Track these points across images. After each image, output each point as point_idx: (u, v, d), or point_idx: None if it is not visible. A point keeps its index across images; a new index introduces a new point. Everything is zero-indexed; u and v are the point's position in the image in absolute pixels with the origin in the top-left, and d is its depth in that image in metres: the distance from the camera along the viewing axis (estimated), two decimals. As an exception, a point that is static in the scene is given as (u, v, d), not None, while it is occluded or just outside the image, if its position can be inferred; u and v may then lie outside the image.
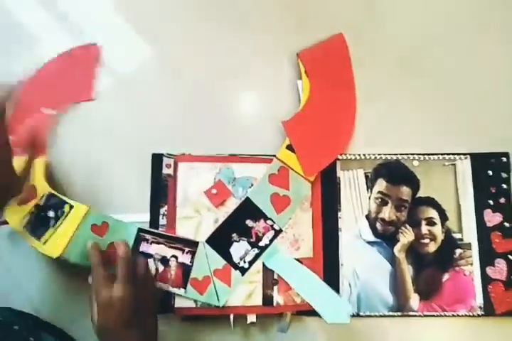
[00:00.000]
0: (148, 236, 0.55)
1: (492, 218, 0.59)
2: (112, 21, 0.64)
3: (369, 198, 0.60)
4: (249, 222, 0.57)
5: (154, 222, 0.58)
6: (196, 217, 0.57)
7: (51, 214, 0.56)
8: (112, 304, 0.46)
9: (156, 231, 0.56)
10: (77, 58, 0.63)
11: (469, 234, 0.59)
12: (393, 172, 0.60)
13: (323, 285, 0.56)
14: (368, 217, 0.59)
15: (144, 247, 0.55)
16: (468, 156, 0.60)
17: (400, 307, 0.57)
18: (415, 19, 0.64)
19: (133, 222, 0.57)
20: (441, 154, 0.60)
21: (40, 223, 0.55)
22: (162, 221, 0.58)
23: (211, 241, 0.56)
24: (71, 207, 0.56)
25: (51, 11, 0.64)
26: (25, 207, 0.56)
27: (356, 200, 0.60)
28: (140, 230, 0.56)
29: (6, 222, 0.56)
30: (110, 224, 0.55)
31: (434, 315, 0.57)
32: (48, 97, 0.62)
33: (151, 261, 0.55)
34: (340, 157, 0.60)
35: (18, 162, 0.54)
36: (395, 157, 0.60)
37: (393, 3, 0.64)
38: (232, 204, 0.57)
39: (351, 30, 0.62)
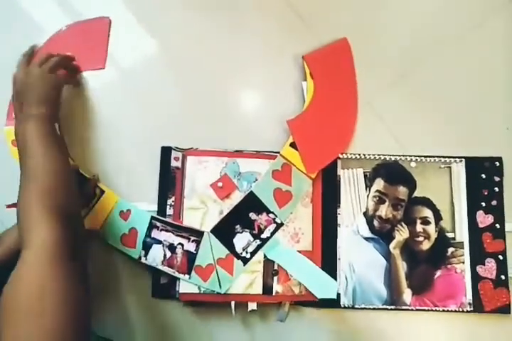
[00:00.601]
0: (158, 224, 0.59)
1: (484, 219, 0.62)
2: (118, 18, 0.67)
3: (367, 196, 0.62)
4: (252, 215, 0.59)
5: (162, 211, 0.61)
6: (202, 208, 0.60)
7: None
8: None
9: (166, 219, 0.59)
10: (89, 28, 0.66)
11: (462, 233, 0.61)
12: (391, 172, 0.63)
13: (315, 267, 0.59)
14: (365, 214, 0.62)
15: (154, 234, 0.59)
16: (463, 160, 0.63)
17: (394, 301, 0.60)
18: (416, 26, 0.67)
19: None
20: (438, 157, 0.63)
21: None
22: (169, 211, 0.61)
23: (216, 231, 0.59)
24: (102, 191, 0.61)
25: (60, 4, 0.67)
26: None
27: (355, 198, 0.63)
28: (152, 218, 0.59)
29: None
30: (132, 211, 0.60)
31: (425, 310, 0.59)
32: None
33: (160, 246, 0.58)
34: (341, 156, 0.63)
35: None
36: (393, 158, 0.63)
37: (396, 9, 0.68)
38: (236, 198, 0.60)
39: (355, 35, 0.65)
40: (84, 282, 0.41)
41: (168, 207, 0.61)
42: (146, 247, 0.58)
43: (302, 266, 0.59)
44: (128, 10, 0.67)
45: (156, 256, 0.58)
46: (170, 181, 0.62)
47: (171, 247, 0.58)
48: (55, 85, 0.58)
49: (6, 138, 0.62)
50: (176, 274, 0.57)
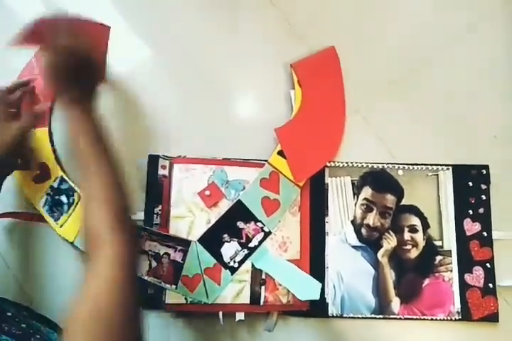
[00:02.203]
0: (143, 233, 0.58)
1: (471, 227, 0.62)
2: (110, 21, 0.66)
3: (355, 204, 0.62)
4: (240, 224, 0.59)
5: (148, 220, 0.60)
6: (189, 217, 0.59)
7: (64, 199, 0.60)
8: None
9: (150, 229, 0.58)
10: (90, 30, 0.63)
11: (449, 241, 0.62)
12: (379, 180, 0.63)
13: (299, 271, 0.59)
14: (353, 222, 0.62)
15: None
16: (451, 168, 0.63)
17: (382, 309, 0.59)
18: (405, 35, 0.68)
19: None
20: (425, 165, 0.64)
21: (55, 206, 0.59)
22: (156, 220, 0.60)
23: (203, 240, 0.58)
24: (80, 197, 0.59)
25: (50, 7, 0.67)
26: (41, 186, 0.60)
27: (343, 206, 0.62)
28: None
29: (11, 216, 0.59)
30: None
31: (413, 318, 0.59)
32: None
33: (145, 256, 0.57)
34: (328, 164, 0.63)
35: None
36: (380, 166, 0.64)
37: (384, 19, 0.68)
38: (224, 206, 0.60)
39: (344, 43, 0.66)
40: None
41: (155, 215, 0.60)
42: None
43: (290, 274, 0.59)
44: (118, 12, 0.67)
45: (141, 267, 0.56)
46: (157, 190, 0.61)
47: (157, 257, 0.57)
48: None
49: None
50: (162, 284, 0.56)
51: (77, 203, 0.59)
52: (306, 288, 0.58)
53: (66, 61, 0.47)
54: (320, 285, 0.58)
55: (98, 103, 0.51)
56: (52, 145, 0.62)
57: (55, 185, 0.60)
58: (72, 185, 0.60)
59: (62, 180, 0.60)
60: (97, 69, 0.52)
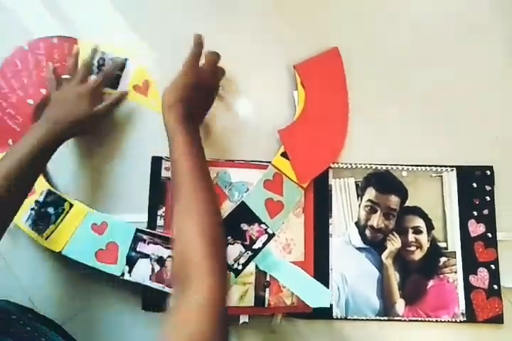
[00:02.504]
0: (145, 237, 0.57)
1: (476, 228, 0.62)
2: (111, 22, 0.67)
3: (359, 206, 0.62)
4: (243, 226, 0.59)
5: (152, 222, 0.60)
6: (193, 219, 0.59)
7: (51, 210, 0.58)
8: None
9: (153, 231, 0.58)
10: (59, 47, 0.64)
11: (454, 243, 0.61)
12: (383, 181, 0.63)
13: (308, 277, 0.58)
14: (357, 223, 0.62)
15: (141, 247, 0.57)
16: (455, 169, 0.63)
17: (386, 311, 0.59)
18: (406, 36, 0.67)
19: (131, 222, 0.59)
20: (429, 166, 0.63)
21: (41, 219, 0.58)
22: (160, 222, 0.60)
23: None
24: (71, 205, 0.58)
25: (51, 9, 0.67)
26: (25, 202, 0.58)
27: (347, 207, 0.62)
28: (138, 230, 0.57)
29: None
30: (109, 223, 0.57)
31: (418, 320, 0.59)
32: (28, 83, 0.63)
33: (147, 260, 0.56)
34: (332, 165, 0.63)
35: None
36: (384, 167, 0.63)
37: (387, 19, 0.68)
38: (228, 208, 0.59)
39: (346, 44, 0.65)
40: None
41: (158, 217, 0.60)
42: (131, 262, 0.56)
43: (295, 277, 0.58)
44: (119, 13, 0.66)
45: (142, 272, 0.56)
46: (160, 191, 0.61)
47: (160, 260, 0.57)
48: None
49: None
50: (166, 289, 0.55)
51: (67, 212, 0.58)
52: (316, 294, 0.58)
53: (199, 84, 0.54)
54: (330, 292, 0.58)
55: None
56: None
57: (41, 198, 0.59)
58: (61, 195, 0.59)
59: (48, 193, 0.59)
60: (212, 99, 0.60)
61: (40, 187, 0.59)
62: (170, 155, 0.51)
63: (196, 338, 0.37)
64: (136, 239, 0.57)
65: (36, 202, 0.59)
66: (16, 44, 0.64)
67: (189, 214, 0.46)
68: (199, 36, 0.55)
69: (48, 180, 0.61)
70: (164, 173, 0.61)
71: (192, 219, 0.46)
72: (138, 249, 0.57)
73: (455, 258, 0.61)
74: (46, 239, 0.57)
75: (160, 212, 0.60)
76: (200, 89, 0.55)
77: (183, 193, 0.47)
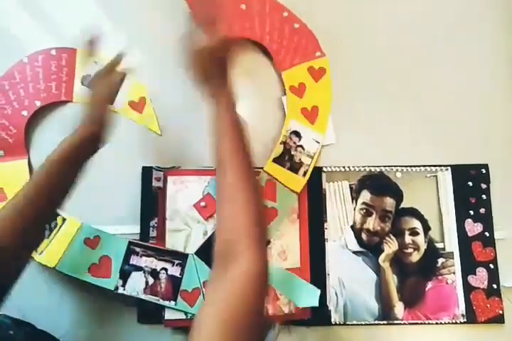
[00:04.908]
0: (138, 249, 0.57)
1: (473, 228, 0.61)
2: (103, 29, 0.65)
3: (354, 209, 0.61)
4: (237, 234, 0.58)
5: (144, 234, 0.59)
6: (186, 230, 0.58)
7: None
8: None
9: (146, 244, 0.57)
10: (57, 59, 0.63)
11: (451, 243, 0.61)
12: (377, 183, 0.62)
13: (297, 278, 0.58)
14: (353, 227, 0.61)
15: (134, 260, 0.56)
16: (449, 168, 0.62)
17: (385, 315, 0.59)
18: (400, 33, 0.66)
19: (123, 234, 0.58)
20: (423, 166, 0.62)
21: None
22: (152, 233, 0.59)
23: (200, 253, 0.57)
24: (63, 219, 0.58)
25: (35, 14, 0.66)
26: None
27: (342, 211, 0.61)
28: (130, 243, 0.57)
29: None
30: (102, 237, 0.57)
31: (418, 323, 0.58)
32: (25, 95, 0.62)
33: (141, 273, 0.56)
34: (325, 169, 0.62)
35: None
36: (378, 169, 0.62)
37: (376, 18, 0.67)
38: (220, 217, 0.59)
39: (336, 44, 0.64)
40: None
41: (151, 228, 0.59)
42: (124, 276, 0.56)
43: (289, 283, 0.58)
44: (110, 20, 0.65)
45: (136, 285, 0.55)
46: (152, 202, 0.60)
47: (154, 273, 0.56)
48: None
49: None
50: (161, 302, 0.55)
51: (60, 226, 0.57)
52: (305, 295, 0.57)
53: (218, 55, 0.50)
54: (318, 291, 0.58)
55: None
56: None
57: None
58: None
59: None
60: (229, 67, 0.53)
61: None
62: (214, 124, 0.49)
63: (241, 309, 0.36)
64: (129, 252, 0.56)
65: None
66: (10, 60, 0.63)
67: (233, 198, 0.44)
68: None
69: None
70: (155, 183, 0.61)
71: (236, 203, 0.44)
72: (131, 262, 0.56)
73: (453, 258, 0.60)
74: (40, 254, 0.56)
75: (152, 223, 0.59)
76: (218, 57, 0.50)
77: (228, 180, 0.45)
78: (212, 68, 0.50)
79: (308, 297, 0.57)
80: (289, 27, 0.64)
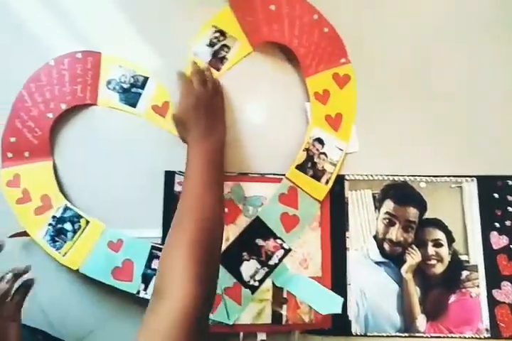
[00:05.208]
0: (160, 254, 0.57)
1: (498, 240, 0.60)
2: (120, 32, 0.66)
3: (377, 218, 0.61)
4: (259, 241, 0.58)
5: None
6: (207, 235, 0.58)
7: (68, 227, 0.58)
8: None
9: (167, 248, 0.57)
10: (83, 62, 0.64)
11: (476, 256, 0.59)
12: (400, 193, 0.61)
13: (320, 286, 0.58)
14: (375, 237, 0.60)
15: (156, 264, 0.56)
16: (475, 179, 0.61)
17: (407, 327, 0.58)
18: (420, 40, 0.65)
19: (146, 238, 0.59)
20: (448, 176, 0.62)
21: (58, 235, 0.58)
22: (173, 238, 0.59)
23: (222, 259, 0.56)
24: (87, 222, 0.58)
25: (59, 17, 0.66)
26: (42, 217, 0.59)
27: (364, 220, 0.61)
28: (153, 247, 0.57)
29: (26, 234, 0.58)
30: (125, 241, 0.57)
31: (440, 337, 0.57)
32: (50, 98, 0.63)
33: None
34: (348, 177, 0.62)
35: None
36: (402, 178, 0.62)
37: (397, 23, 0.66)
38: (242, 223, 0.58)
39: (358, 51, 0.64)
40: None
41: (172, 233, 0.59)
42: (147, 280, 0.56)
43: (312, 291, 0.57)
44: (130, 25, 0.66)
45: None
46: (174, 206, 0.60)
47: (176, 279, 0.56)
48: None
49: (1, 179, 0.61)
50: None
51: (83, 229, 0.58)
52: (327, 303, 0.57)
53: (204, 104, 0.56)
54: (341, 299, 0.57)
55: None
56: (56, 176, 0.62)
57: (58, 214, 0.59)
58: (78, 211, 0.59)
59: (66, 209, 0.59)
60: (221, 114, 0.60)
61: (58, 202, 0.60)
62: (185, 174, 0.52)
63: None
64: (152, 256, 0.56)
65: (53, 217, 0.59)
66: (34, 62, 0.64)
67: (179, 223, 0.47)
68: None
69: (65, 195, 0.61)
70: (177, 188, 0.61)
71: (179, 227, 0.46)
72: (153, 266, 0.56)
73: (477, 271, 0.59)
74: (64, 255, 0.57)
75: (174, 228, 0.59)
76: (203, 107, 0.55)
77: (185, 200, 0.49)
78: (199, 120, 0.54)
79: (331, 304, 0.57)
80: (318, 31, 0.63)
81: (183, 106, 0.55)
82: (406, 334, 0.57)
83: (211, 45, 0.64)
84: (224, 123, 0.60)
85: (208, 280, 0.43)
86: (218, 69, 0.64)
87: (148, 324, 0.39)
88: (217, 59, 0.64)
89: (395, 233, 0.60)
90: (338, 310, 0.57)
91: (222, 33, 0.64)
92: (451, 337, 0.57)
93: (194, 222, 0.46)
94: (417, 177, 0.62)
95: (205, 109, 0.55)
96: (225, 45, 0.64)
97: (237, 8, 0.63)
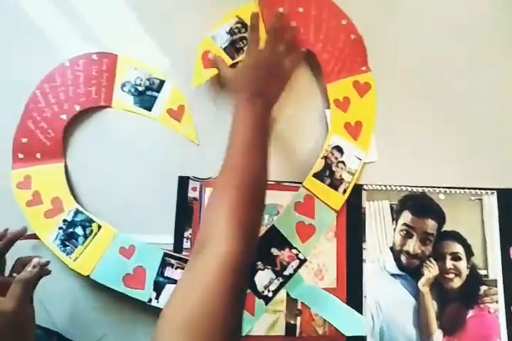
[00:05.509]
0: (173, 261, 0.55)
1: (518, 255, 0.59)
2: (131, 33, 0.65)
3: (394, 230, 0.59)
4: (274, 251, 0.56)
5: (178, 244, 0.58)
6: (221, 243, 0.57)
7: (79, 231, 0.57)
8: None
9: (181, 256, 0.56)
10: (98, 64, 0.62)
11: (495, 270, 0.58)
12: (419, 204, 0.60)
13: (341, 304, 0.56)
14: (392, 249, 0.59)
15: (168, 272, 0.55)
16: (495, 192, 0.60)
17: (423, 343, 0.56)
18: (442, 48, 0.64)
19: (157, 244, 0.57)
20: (468, 188, 0.60)
21: (69, 239, 0.56)
22: (186, 244, 0.58)
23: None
24: (99, 226, 0.57)
25: (72, 17, 0.65)
26: (52, 220, 0.57)
27: (381, 231, 0.60)
28: (165, 255, 0.56)
29: (36, 237, 0.57)
30: (137, 247, 0.56)
31: (457, 353, 0.56)
32: (64, 99, 0.62)
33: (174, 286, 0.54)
34: (366, 187, 0.60)
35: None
36: (420, 189, 0.60)
37: (420, 32, 0.65)
38: (257, 232, 0.57)
39: (379, 58, 0.63)
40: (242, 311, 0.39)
41: (185, 239, 0.58)
42: (159, 288, 0.54)
43: (328, 305, 0.56)
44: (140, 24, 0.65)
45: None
46: (187, 213, 0.59)
47: (190, 287, 0.55)
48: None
49: (11, 180, 0.59)
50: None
51: (95, 234, 0.57)
52: (350, 322, 0.55)
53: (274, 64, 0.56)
54: (362, 319, 0.56)
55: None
56: (68, 179, 0.60)
57: (69, 218, 0.57)
58: (90, 215, 0.58)
59: (77, 212, 0.58)
60: (284, 75, 0.58)
61: (69, 205, 0.58)
62: (230, 132, 0.50)
63: (201, 302, 0.34)
64: (164, 264, 0.55)
65: (64, 221, 0.58)
66: (46, 63, 0.62)
67: (223, 182, 0.45)
68: (255, 16, 0.58)
69: (76, 198, 0.60)
70: (191, 193, 0.59)
71: (227, 182, 0.45)
72: (166, 274, 0.55)
73: (496, 286, 0.58)
74: (74, 260, 0.56)
75: (187, 234, 0.58)
76: (263, 68, 0.55)
77: (230, 158, 0.47)
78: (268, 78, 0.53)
79: (354, 325, 0.56)
80: (344, 37, 0.62)
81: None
82: (422, 350, 0.56)
83: (231, 33, 0.62)
84: (281, 87, 0.57)
85: (250, 239, 0.41)
86: (233, 58, 0.62)
87: (186, 280, 0.37)
88: (234, 49, 0.62)
89: (413, 245, 0.59)
90: (362, 332, 0.55)
91: (244, 25, 0.62)
92: (469, 354, 0.56)
93: (237, 183, 0.44)
94: (436, 189, 0.60)
95: (266, 71, 0.55)
96: (244, 38, 0.62)
97: (264, 7, 0.62)
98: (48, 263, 0.47)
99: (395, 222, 0.60)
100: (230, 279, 0.36)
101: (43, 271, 0.46)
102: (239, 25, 0.62)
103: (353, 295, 0.57)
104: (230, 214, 0.41)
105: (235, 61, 0.61)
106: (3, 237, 0.48)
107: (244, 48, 0.61)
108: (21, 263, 0.47)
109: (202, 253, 0.38)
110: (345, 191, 0.59)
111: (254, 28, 0.58)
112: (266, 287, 0.55)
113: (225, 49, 0.61)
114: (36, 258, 0.46)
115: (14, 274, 0.47)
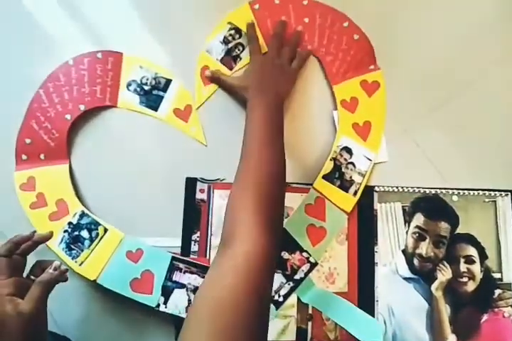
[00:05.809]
0: (181, 265, 0.54)
1: (532, 258, 0.58)
2: (136, 33, 0.63)
3: (406, 233, 0.58)
4: (284, 254, 0.55)
5: (186, 248, 0.57)
6: (231, 247, 0.56)
7: (85, 234, 0.56)
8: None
9: (189, 259, 0.55)
10: (103, 62, 0.61)
11: (509, 274, 0.57)
12: (432, 206, 0.59)
13: (355, 309, 0.55)
14: (404, 252, 0.58)
15: (177, 276, 0.54)
16: (509, 193, 0.59)
17: (437, 348, 0.55)
18: (456, 51, 0.63)
19: (165, 247, 0.56)
20: (482, 190, 0.59)
21: (74, 243, 0.55)
22: (194, 247, 0.57)
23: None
24: (105, 229, 0.55)
25: (74, 16, 0.63)
26: (57, 223, 0.56)
27: (393, 234, 0.58)
28: (174, 258, 0.54)
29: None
30: (144, 251, 0.55)
31: (471, 358, 0.55)
32: (69, 99, 0.60)
33: (184, 291, 0.53)
34: (377, 189, 0.59)
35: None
36: (433, 191, 0.59)
37: (435, 33, 0.64)
38: (267, 234, 0.56)
39: (394, 61, 0.62)
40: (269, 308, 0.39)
41: (192, 243, 0.57)
42: (167, 293, 0.53)
43: (341, 309, 0.55)
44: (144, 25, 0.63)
45: (178, 303, 0.53)
46: (195, 215, 0.58)
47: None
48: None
49: (14, 182, 0.58)
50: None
51: (101, 237, 0.55)
52: (366, 328, 0.54)
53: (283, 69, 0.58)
54: (382, 326, 0.55)
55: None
56: (72, 180, 0.59)
57: (74, 220, 0.56)
58: (95, 218, 0.56)
59: (82, 215, 0.56)
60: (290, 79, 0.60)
61: (74, 207, 0.57)
62: (245, 130, 0.51)
63: (232, 289, 0.34)
64: (173, 268, 0.54)
65: (69, 223, 0.56)
66: (49, 62, 0.61)
67: (246, 174, 0.46)
68: (251, 26, 0.60)
69: (81, 201, 0.58)
70: (199, 195, 0.58)
71: (247, 178, 0.46)
72: (174, 279, 0.54)
73: (511, 290, 0.57)
74: (80, 265, 0.54)
75: (194, 237, 0.57)
76: (271, 69, 0.57)
77: (246, 154, 0.49)
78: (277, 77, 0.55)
79: (372, 331, 0.54)
80: (347, 38, 0.61)
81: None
82: (435, 355, 0.55)
83: (225, 42, 0.61)
84: (289, 84, 0.59)
85: (275, 234, 0.42)
86: (231, 69, 0.61)
87: (213, 276, 0.37)
88: (231, 57, 0.61)
89: (425, 248, 0.58)
90: (380, 338, 0.54)
91: (238, 31, 0.61)
92: (483, 359, 0.55)
93: (254, 176, 0.45)
94: (449, 191, 0.59)
95: (272, 72, 0.57)
96: (239, 44, 0.61)
97: (264, 22, 0.61)
98: (67, 270, 0.46)
99: (407, 225, 0.58)
100: (260, 273, 0.37)
101: (62, 276, 0.46)
102: (232, 32, 0.61)
103: (365, 299, 0.56)
104: (251, 209, 0.42)
105: (233, 71, 0.61)
106: (29, 239, 0.47)
107: (241, 55, 0.61)
108: (41, 267, 0.47)
109: (228, 253, 0.38)
110: (356, 193, 0.58)
111: (253, 38, 0.59)
112: (276, 291, 0.54)
113: (221, 60, 0.61)
114: (57, 262, 0.46)
115: (32, 277, 0.46)
